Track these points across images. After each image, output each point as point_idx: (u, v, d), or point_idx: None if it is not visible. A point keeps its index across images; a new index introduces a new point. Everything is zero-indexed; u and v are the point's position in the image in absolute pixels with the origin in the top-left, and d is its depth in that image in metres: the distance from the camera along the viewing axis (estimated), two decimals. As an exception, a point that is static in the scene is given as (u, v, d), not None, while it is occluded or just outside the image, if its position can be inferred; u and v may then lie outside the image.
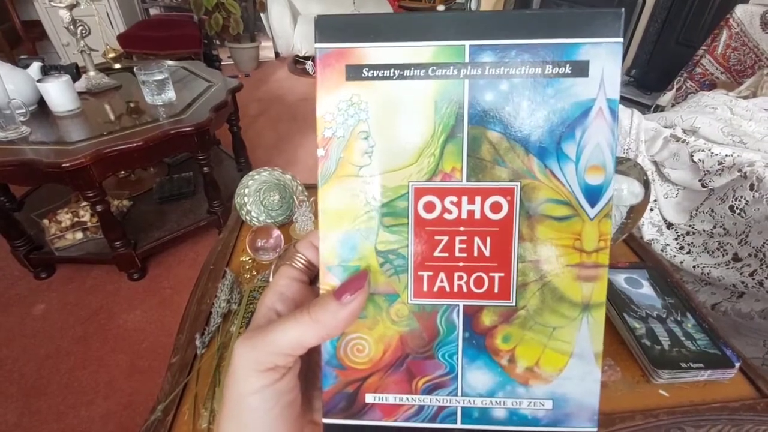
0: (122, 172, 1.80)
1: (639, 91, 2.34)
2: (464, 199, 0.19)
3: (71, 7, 1.49)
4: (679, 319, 0.59)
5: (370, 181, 0.19)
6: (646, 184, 0.73)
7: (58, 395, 1.18)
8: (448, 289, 0.20)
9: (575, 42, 0.18)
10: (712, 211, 1.08)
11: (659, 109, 1.80)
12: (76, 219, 1.53)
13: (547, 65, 0.18)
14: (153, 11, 3.47)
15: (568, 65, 0.18)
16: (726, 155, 1.04)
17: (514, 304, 0.20)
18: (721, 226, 1.07)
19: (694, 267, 1.10)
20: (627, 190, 0.73)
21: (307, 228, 0.70)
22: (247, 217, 0.75)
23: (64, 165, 1.16)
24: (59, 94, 1.38)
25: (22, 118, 1.31)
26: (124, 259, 1.47)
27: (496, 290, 0.20)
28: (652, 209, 1.22)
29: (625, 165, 0.76)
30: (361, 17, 0.18)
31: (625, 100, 2.24)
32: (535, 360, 0.20)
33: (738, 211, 1.01)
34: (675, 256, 1.15)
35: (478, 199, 0.19)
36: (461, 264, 0.20)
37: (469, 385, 0.20)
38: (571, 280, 0.20)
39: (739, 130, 1.14)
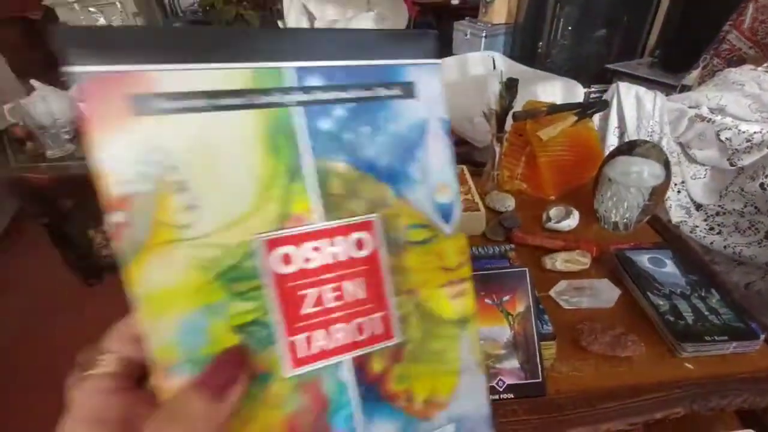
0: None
1: (663, 72, 2.27)
2: (325, 242, 0.17)
3: (105, 30, 1.59)
4: (703, 295, 0.60)
5: (204, 243, 0.15)
6: (667, 165, 0.73)
7: (113, 391, 1.27)
8: (329, 347, 0.17)
9: (399, 64, 0.18)
10: (742, 189, 1.06)
11: (685, 88, 1.75)
12: (119, 228, 1.64)
13: (377, 88, 0.18)
14: (176, 26, 3.61)
15: (397, 87, 0.18)
16: (754, 132, 1.02)
17: (399, 340, 0.19)
18: (752, 205, 1.05)
19: (725, 247, 1.08)
20: (647, 172, 0.74)
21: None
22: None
23: (108, 177, 1.25)
24: (99, 112, 1.47)
25: (67, 137, 1.41)
26: (164, 264, 1.56)
27: (379, 331, 0.18)
28: (679, 191, 1.21)
29: (644, 147, 0.76)
30: (140, 28, 0.16)
31: (649, 81, 2.18)
32: (430, 390, 0.19)
33: (769, 188, 0.98)
34: (705, 237, 1.13)
35: (339, 239, 0.17)
36: (337, 314, 0.18)
37: None
38: (445, 300, 0.20)
39: (768, 106, 1.11)
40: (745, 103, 1.09)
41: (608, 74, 2.44)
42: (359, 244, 0.18)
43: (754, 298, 1.04)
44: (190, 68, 0.15)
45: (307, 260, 0.17)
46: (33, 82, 1.46)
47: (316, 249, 0.17)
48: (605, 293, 0.62)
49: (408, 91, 0.18)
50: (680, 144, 1.20)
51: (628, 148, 0.79)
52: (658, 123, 1.19)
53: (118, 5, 1.80)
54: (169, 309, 0.15)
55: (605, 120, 1.33)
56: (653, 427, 0.53)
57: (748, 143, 1.02)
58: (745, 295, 1.06)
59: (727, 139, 1.05)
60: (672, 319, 0.57)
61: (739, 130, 1.03)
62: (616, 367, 0.55)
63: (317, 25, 3.34)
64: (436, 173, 0.19)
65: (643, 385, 0.53)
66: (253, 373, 0.16)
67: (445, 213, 0.19)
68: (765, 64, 1.35)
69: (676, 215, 1.18)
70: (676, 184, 1.18)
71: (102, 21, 1.58)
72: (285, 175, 0.16)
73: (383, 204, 0.18)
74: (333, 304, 0.18)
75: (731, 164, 1.07)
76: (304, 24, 3.31)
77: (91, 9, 1.60)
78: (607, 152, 0.88)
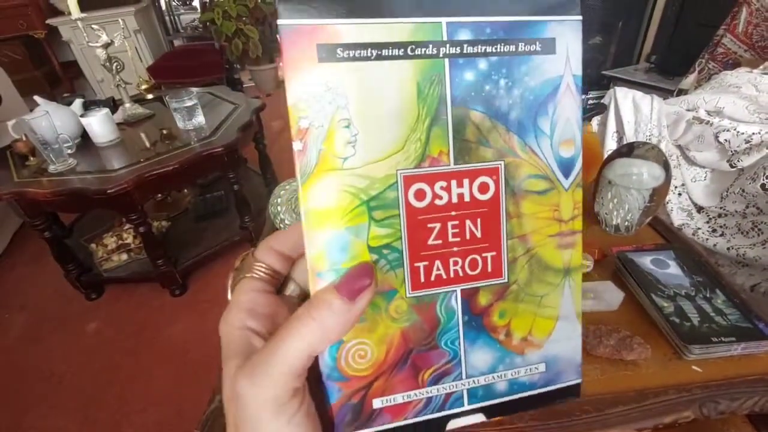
0: (159, 195, 1.90)
1: (661, 77, 2.29)
2: (453, 183, 0.19)
3: (106, 46, 1.61)
4: (708, 295, 0.59)
5: (357, 173, 0.18)
6: (666, 166, 0.73)
7: (114, 405, 1.26)
8: (444, 276, 0.20)
9: (542, 20, 0.19)
10: (743, 191, 1.06)
11: (682, 92, 1.77)
12: (120, 242, 1.64)
13: (520, 43, 0.19)
14: (177, 42, 3.66)
15: (537, 42, 0.19)
16: (753, 133, 1.02)
17: (506, 280, 0.20)
18: (754, 206, 1.05)
19: (728, 249, 1.08)
20: (647, 174, 0.74)
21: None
22: (281, 225, 0.80)
23: (109, 191, 1.26)
24: (100, 127, 1.49)
25: (69, 151, 1.42)
26: (166, 277, 1.56)
27: (489, 270, 0.20)
28: (680, 194, 1.20)
29: (642, 149, 0.76)
30: None
31: (646, 86, 2.20)
32: (528, 329, 0.21)
33: (770, 189, 0.98)
34: (707, 239, 1.12)
35: (466, 181, 0.19)
36: (455, 249, 0.19)
37: (472, 366, 0.20)
38: (553, 249, 0.20)
39: (766, 107, 1.11)
40: (743, 105, 1.10)
41: (605, 80, 2.46)
42: (483, 188, 0.19)
43: (760, 299, 1.03)
44: (363, 22, 0.17)
45: (438, 197, 0.19)
46: (36, 98, 1.48)
47: (445, 188, 0.19)
48: (609, 296, 0.62)
49: (548, 46, 0.19)
50: (679, 147, 1.20)
51: (627, 150, 0.78)
52: (656, 126, 1.19)
53: (120, 22, 1.82)
54: (324, 225, 0.18)
55: (603, 125, 1.33)
56: (662, 431, 0.52)
57: (747, 144, 1.02)
58: (752, 298, 1.05)
59: (726, 140, 1.06)
60: (677, 320, 0.56)
61: (738, 132, 1.03)
62: (621, 370, 0.54)
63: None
64: (563, 128, 0.20)
65: (650, 389, 0.52)
66: (380, 287, 0.19)
67: (567, 167, 0.20)
68: (761, 67, 1.35)
69: (677, 218, 1.18)
70: (676, 187, 1.18)
71: (104, 38, 1.59)
72: (428, 120, 0.18)
73: (510, 153, 0.19)
74: (453, 240, 0.19)
75: (731, 166, 1.07)
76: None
77: (94, 26, 1.62)
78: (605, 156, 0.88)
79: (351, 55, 0.17)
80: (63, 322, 1.57)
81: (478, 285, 0.20)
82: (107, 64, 1.63)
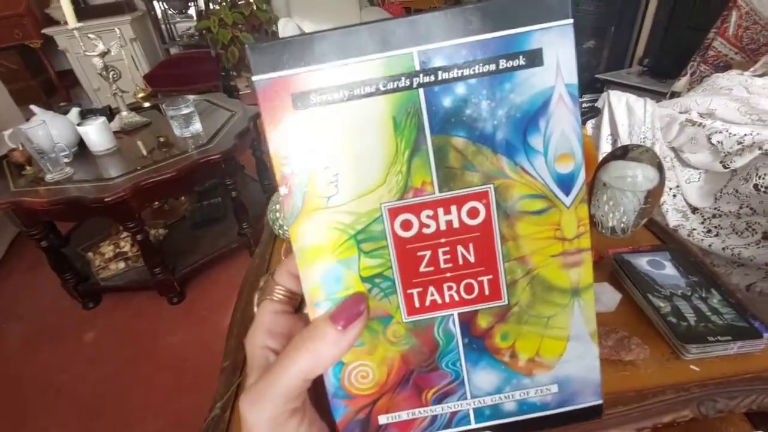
0: (156, 202, 1.90)
1: (654, 80, 2.32)
2: (440, 210, 0.19)
3: (103, 55, 1.62)
4: (704, 295, 0.60)
5: (342, 210, 0.19)
6: (660, 168, 0.74)
7: (113, 415, 1.25)
8: (439, 301, 0.20)
9: (525, 31, 0.17)
10: (737, 191, 1.07)
11: (675, 95, 1.78)
12: (117, 250, 1.64)
13: (500, 60, 0.18)
14: (173, 50, 3.67)
15: (521, 56, 0.18)
16: (745, 134, 1.04)
17: (506, 302, 0.20)
18: (747, 206, 1.06)
19: (723, 249, 1.09)
20: (641, 176, 0.75)
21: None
22: (280, 231, 0.80)
23: (106, 200, 1.26)
24: (97, 135, 1.49)
25: (66, 160, 1.42)
26: (163, 285, 1.55)
27: (486, 293, 0.20)
28: (675, 195, 1.22)
29: (636, 151, 0.77)
30: (297, 39, 0.17)
31: (639, 89, 2.22)
32: (535, 351, 0.20)
33: (763, 189, 0.99)
34: (703, 240, 1.13)
35: (453, 208, 0.19)
36: (448, 275, 0.20)
37: (476, 387, 0.21)
38: (558, 269, 0.20)
39: (757, 108, 1.13)
40: (734, 107, 1.11)
41: (599, 84, 2.48)
42: (473, 213, 0.19)
43: (756, 299, 1.04)
44: (332, 66, 0.17)
45: (425, 226, 0.19)
46: (32, 107, 1.48)
47: (432, 217, 0.19)
48: (606, 297, 0.62)
49: (534, 58, 0.18)
50: (673, 149, 1.22)
51: (621, 152, 0.80)
52: (649, 129, 1.21)
53: (117, 31, 1.83)
54: (315, 260, 0.19)
55: (598, 128, 1.35)
56: (661, 431, 0.52)
57: (740, 146, 1.03)
58: (747, 297, 1.06)
59: (718, 142, 1.07)
60: (674, 320, 0.57)
61: (730, 133, 1.04)
62: (620, 371, 0.54)
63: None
64: (558, 143, 0.19)
65: (648, 389, 0.52)
66: (376, 313, 0.20)
67: (566, 183, 0.19)
68: (751, 69, 1.37)
69: (673, 219, 1.19)
70: (671, 189, 1.19)
71: (101, 47, 1.60)
72: (407, 152, 0.18)
73: (499, 175, 0.19)
74: (445, 266, 0.20)
75: (724, 167, 1.08)
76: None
77: (90, 35, 1.62)
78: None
79: (324, 99, 0.18)
80: (60, 331, 1.56)
81: (476, 308, 0.20)
82: (104, 72, 1.64)
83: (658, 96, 1.83)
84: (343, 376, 0.20)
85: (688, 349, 0.54)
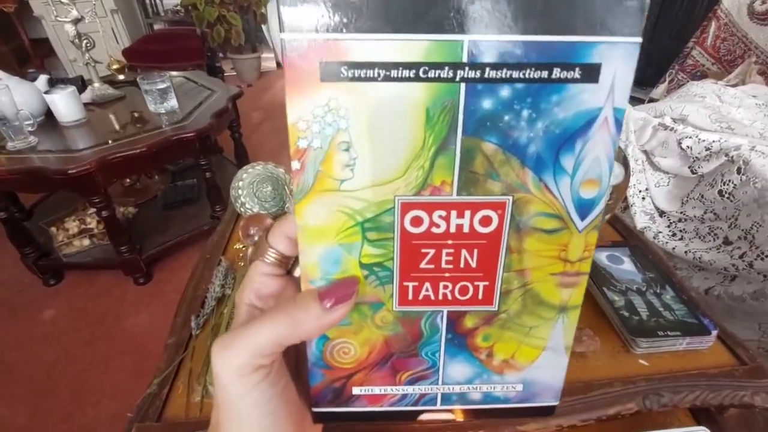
0: (128, 180, 1.85)
1: (635, 87, 2.36)
2: (453, 213, 0.18)
3: (76, 22, 1.55)
4: (658, 291, 0.61)
5: (353, 196, 0.18)
6: (626, 164, 0.75)
7: (67, 396, 1.21)
8: (432, 297, 0.20)
9: (589, 41, 0.15)
10: (702, 196, 1.10)
11: (653, 101, 1.82)
12: (83, 226, 1.58)
13: (555, 68, 0.16)
14: (157, 26, 3.56)
15: (577, 69, 0.16)
16: (713, 141, 1.06)
17: (496, 308, 0.20)
18: (711, 211, 1.08)
19: (686, 252, 1.11)
20: (608, 173, 0.75)
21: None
22: (242, 209, 0.78)
23: (70, 171, 1.21)
24: (65, 105, 1.43)
25: (30, 129, 1.36)
26: (129, 264, 1.51)
27: (480, 297, 0.20)
28: (644, 198, 1.24)
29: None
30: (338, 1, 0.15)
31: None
32: (512, 354, 0.21)
33: (727, 195, 1.02)
34: (667, 242, 1.16)
35: (467, 213, 0.18)
36: (447, 275, 0.20)
37: (449, 376, 0.21)
38: (553, 287, 0.20)
39: (727, 117, 1.15)
40: (705, 114, 1.13)
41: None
42: (485, 221, 0.19)
43: (714, 303, 1.07)
44: (372, 38, 0.15)
45: (435, 225, 0.19)
46: (-3, 71, 1.41)
47: (444, 218, 0.18)
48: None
49: (590, 73, 0.16)
50: (645, 152, 1.24)
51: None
52: (624, 131, 1.22)
53: (93, 0, 1.76)
54: (317, 240, 0.19)
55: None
56: (606, 423, 0.52)
57: (708, 152, 1.05)
58: (705, 301, 1.09)
59: (688, 147, 1.09)
60: (627, 314, 0.57)
61: (699, 139, 1.06)
62: (570, 362, 0.55)
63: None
64: (589, 167, 0.17)
65: (596, 381, 0.53)
66: (368, 299, 0.20)
67: (585, 208, 0.18)
68: (725, 79, 1.41)
69: (640, 221, 1.21)
70: (640, 191, 1.21)
71: (74, 13, 1.53)
72: (433, 148, 0.17)
73: (521, 188, 0.18)
74: (446, 266, 0.19)
75: (692, 172, 1.10)
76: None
77: (64, 1, 1.56)
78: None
79: (356, 75, 0.16)
80: (17, 308, 1.50)
81: (466, 309, 0.20)
82: (76, 40, 1.57)
83: (639, 102, 1.87)
84: (325, 350, 0.21)
85: (638, 342, 0.54)
